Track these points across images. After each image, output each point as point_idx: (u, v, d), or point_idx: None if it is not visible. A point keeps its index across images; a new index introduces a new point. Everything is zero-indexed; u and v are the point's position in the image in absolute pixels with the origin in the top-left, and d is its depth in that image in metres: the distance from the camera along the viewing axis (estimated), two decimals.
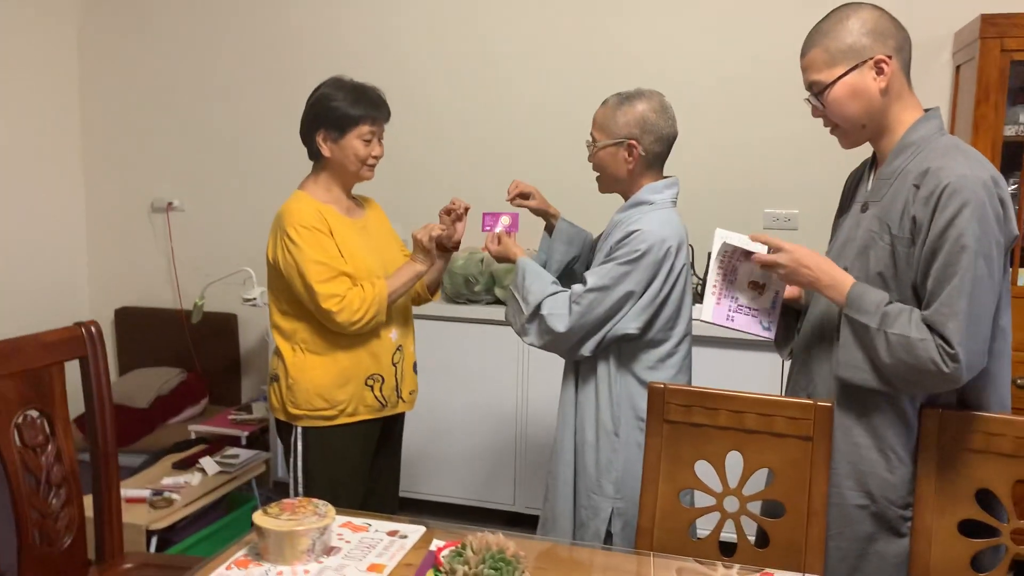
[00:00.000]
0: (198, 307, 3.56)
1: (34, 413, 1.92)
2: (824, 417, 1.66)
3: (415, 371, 2.37)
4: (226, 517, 3.03)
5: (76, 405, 2.08)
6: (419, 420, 3.32)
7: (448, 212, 2.26)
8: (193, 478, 3.01)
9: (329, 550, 1.60)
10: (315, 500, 1.65)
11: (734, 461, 1.72)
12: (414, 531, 1.71)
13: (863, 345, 1.60)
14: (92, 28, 3.89)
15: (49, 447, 1.94)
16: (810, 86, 1.69)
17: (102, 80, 3.91)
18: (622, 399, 2.03)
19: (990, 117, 2.73)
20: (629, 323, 1.99)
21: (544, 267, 2.28)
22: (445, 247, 2.29)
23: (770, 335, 1.84)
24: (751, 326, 1.84)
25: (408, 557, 1.60)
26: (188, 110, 3.85)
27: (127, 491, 2.87)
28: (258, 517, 1.57)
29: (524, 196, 2.24)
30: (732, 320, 1.84)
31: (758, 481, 1.72)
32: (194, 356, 3.86)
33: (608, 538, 2.04)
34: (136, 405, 3.58)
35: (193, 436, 3.45)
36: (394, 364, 2.26)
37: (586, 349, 2.01)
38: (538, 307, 2.01)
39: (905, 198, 1.59)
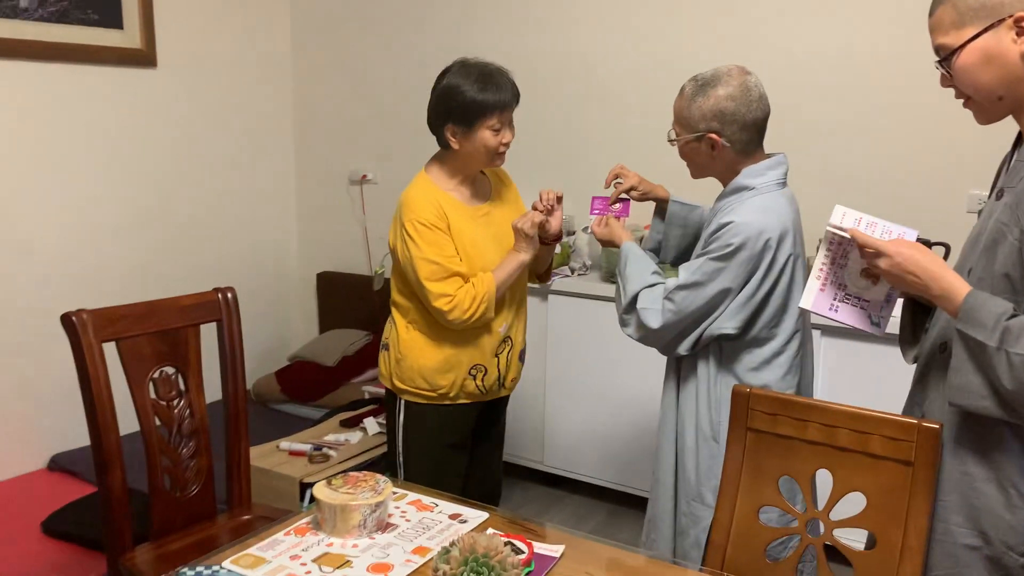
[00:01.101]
0: (379, 274, 3.75)
1: (169, 370, 2.11)
2: (929, 440, 1.43)
3: (522, 359, 2.35)
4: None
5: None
6: (562, 397, 3.31)
7: (542, 202, 2.19)
8: (354, 436, 3.19)
9: (385, 526, 1.62)
10: (378, 476, 1.68)
11: (823, 480, 1.53)
12: (476, 517, 1.69)
13: (980, 366, 1.34)
14: (305, 20, 4.17)
15: (181, 401, 2.12)
16: (937, 50, 1.42)
17: (311, 63, 4.19)
18: (722, 403, 1.86)
19: None
20: (726, 322, 1.82)
21: (659, 252, 2.14)
22: (545, 240, 2.22)
23: (879, 331, 1.59)
24: (857, 319, 1.59)
25: (458, 538, 1.58)
26: (385, 90, 4.03)
27: (292, 444, 3.11)
28: (319, 488, 1.62)
29: (625, 187, 2.12)
30: (836, 310, 1.60)
31: (848, 506, 1.52)
32: (379, 320, 4.07)
33: (707, 547, 1.90)
34: (324, 363, 3.84)
35: (367, 396, 3.64)
36: (497, 355, 2.24)
37: (683, 348, 1.87)
38: (635, 299, 1.90)
39: None
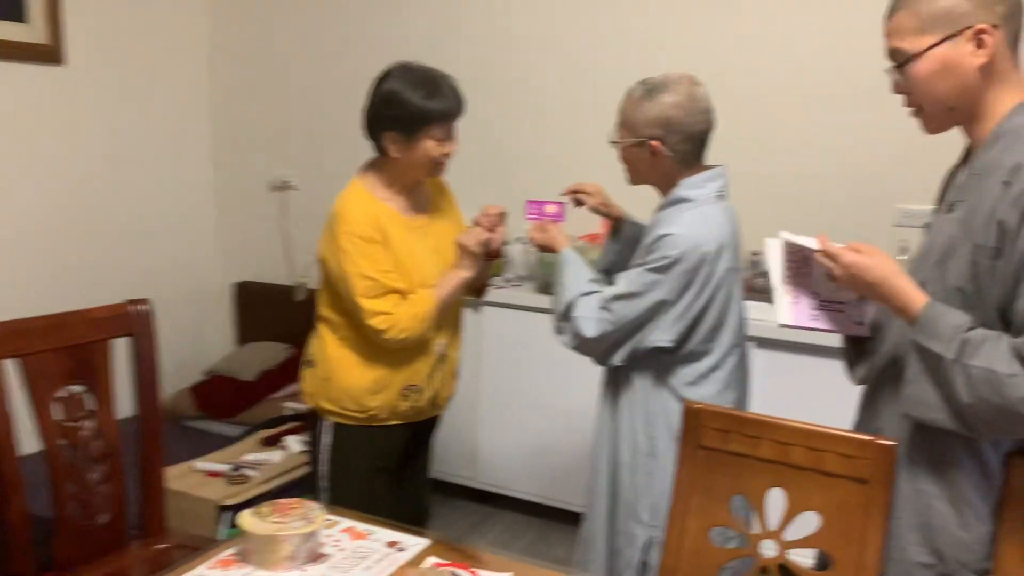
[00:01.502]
0: (300, 285, 3.60)
1: (78, 388, 1.94)
2: (885, 458, 1.40)
3: (456, 377, 2.26)
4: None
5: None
6: (496, 410, 3.23)
7: (485, 219, 2.11)
8: (275, 456, 3.04)
9: (317, 557, 1.51)
10: (309, 503, 1.57)
11: (776, 499, 1.49)
12: (415, 544, 1.60)
13: (936, 380, 1.32)
14: (222, 15, 4.00)
15: (90, 422, 1.96)
16: (892, 54, 1.40)
17: (230, 61, 4.02)
18: (658, 417, 1.82)
19: None
20: (661, 334, 1.78)
21: (611, 271, 2.08)
22: (486, 256, 2.14)
23: (864, 331, 1.57)
24: (840, 323, 1.56)
25: (399, 573, 1.49)
26: (308, 93, 3.89)
27: (208, 464, 2.94)
28: (245, 517, 1.50)
29: (579, 199, 2.09)
30: (816, 320, 1.57)
31: (802, 525, 1.48)
32: (302, 333, 3.92)
33: (643, 569, 1.84)
34: (242, 377, 3.67)
35: (288, 412, 3.48)
36: (432, 375, 2.14)
37: (617, 358, 1.82)
38: (571, 306, 1.84)
39: (993, 198, 1.29)
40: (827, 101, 2.99)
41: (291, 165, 3.97)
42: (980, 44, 1.32)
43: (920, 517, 1.40)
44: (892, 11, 1.40)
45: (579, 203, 2.12)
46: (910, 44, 1.36)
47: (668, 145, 1.79)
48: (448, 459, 3.34)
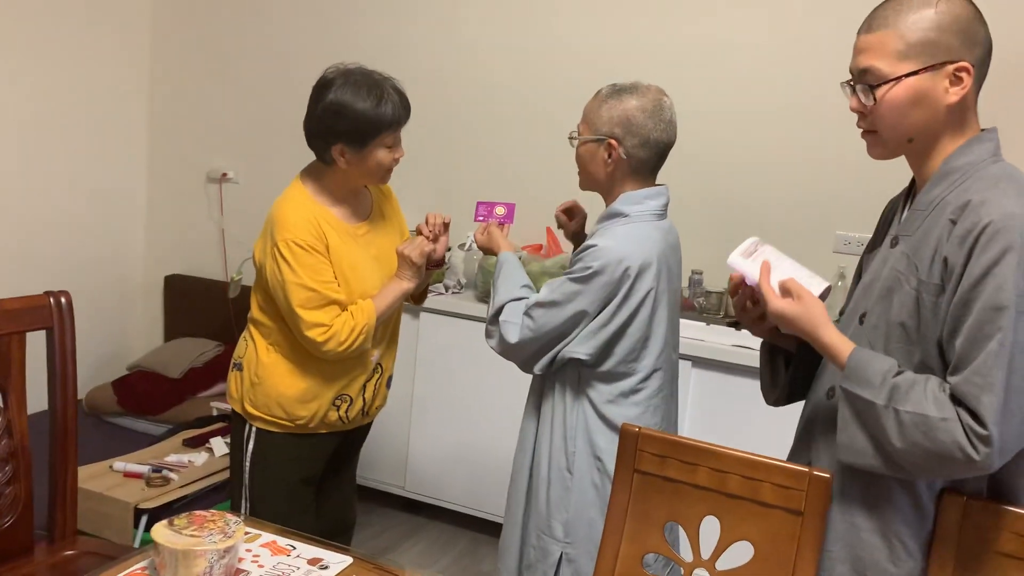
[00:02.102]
0: (235, 281, 3.49)
1: None
2: (820, 490, 1.39)
3: (388, 386, 2.20)
4: (226, 503, 2.94)
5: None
6: (428, 419, 3.18)
7: (429, 228, 2.06)
8: (199, 458, 2.93)
9: (234, 573, 1.44)
10: (229, 516, 1.49)
11: (711, 528, 1.47)
12: (338, 562, 1.53)
13: (867, 425, 1.30)
14: (164, 1, 3.88)
15: None
16: (863, 72, 1.34)
17: (172, 47, 3.89)
18: (578, 432, 1.81)
19: None
20: (578, 346, 1.77)
21: None
22: (427, 266, 2.09)
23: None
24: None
25: None
26: (251, 84, 3.78)
27: (127, 464, 2.83)
28: (158, 530, 1.42)
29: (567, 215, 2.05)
30: None
31: (736, 555, 1.46)
32: (234, 330, 3.81)
33: None
34: (168, 374, 3.54)
35: (215, 412, 3.38)
36: (365, 384, 2.08)
37: (538, 367, 1.80)
38: (499, 311, 1.81)
39: (939, 235, 1.29)
40: (770, 127, 3.01)
41: (230, 157, 3.86)
42: (955, 82, 1.30)
43: (851, 550, 1.39)
44: (873, 27, 1.34)
45: (564, 222, 2.07)
46: (888, 66, 1.31)
47: (624, 147, 1.77)
48: (379, 467, 3.27)
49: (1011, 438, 1.22)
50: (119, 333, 3.97)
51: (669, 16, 3.11)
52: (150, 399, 3.48)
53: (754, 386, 2.66)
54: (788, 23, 2.97)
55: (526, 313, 1.79)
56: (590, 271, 1.74)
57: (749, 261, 1.46)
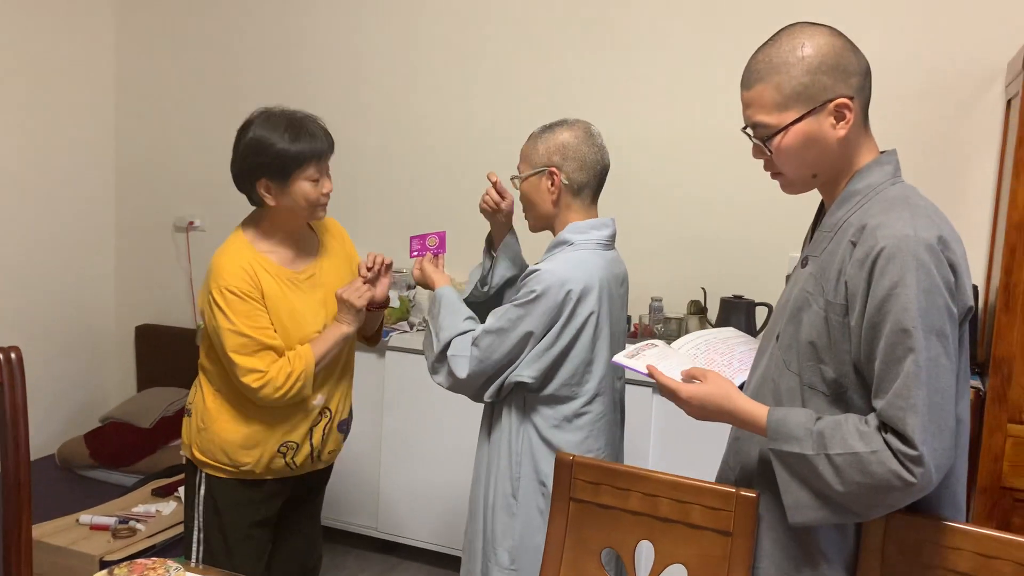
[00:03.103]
0: (200, 328, 3.50)
1: None
2: (746, 510, 1.41)
3: (343, 430, 2.19)
4: None
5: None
6: (398, 458, 3.18)
7: (368, 269, 2.07)
8: (167, 507, 2.93)
9: None
10: (170, 563, 1.51)
11: (647, 552, 1.49)
12: None
13: (806, 480, 1.31)
14: (129, 48, 3.93)
15: None
16: (754, 126, 1.41)
17: (137, 98, 3.94)
18: (523, 457, 1.83)
19: None
20: (524, 370, 1.81)
21: (485, 280, 2.07)
22: (369, 308, 2.10)
23: None
24: None
25: None
26: (215, 132, 3.83)
27: (94, 517, 2.82)
28: None
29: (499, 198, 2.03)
30: None
31: None
32: None
33: None
34: (139, 424, 3.54)
35: (184, 461, 3.36)
36: (312, 429, 2.08)
37: (487, 394, 1.84)
38: (447, 346, 1.84)
39: (842, 256, 1.33)
40: (722, 155, 3.05)
41: (196, 205, 3.90)
42: (839, 117, 1.35)
43: (779, 568, 1.41)
44: (749, 83, 1.40)
45: (496, 201, 2.04)
46: (772, 118, 1.37)
47: (565, 172, 1.85)
48: (350, 509, 3.27)
49: (941, 453, 1.23)
50: (93, 385, 3.98)
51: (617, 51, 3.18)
52: (122, 450, 3.48)
53: None
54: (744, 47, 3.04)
55: (474, 343, 1.82)
56: (534, 295, 1.79)
57: (632, 360, 1.51)
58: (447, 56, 3.41)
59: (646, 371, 1.46)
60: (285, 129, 1.94)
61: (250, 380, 1.93)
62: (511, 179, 1.96)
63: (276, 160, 1.93)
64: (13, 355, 1.99)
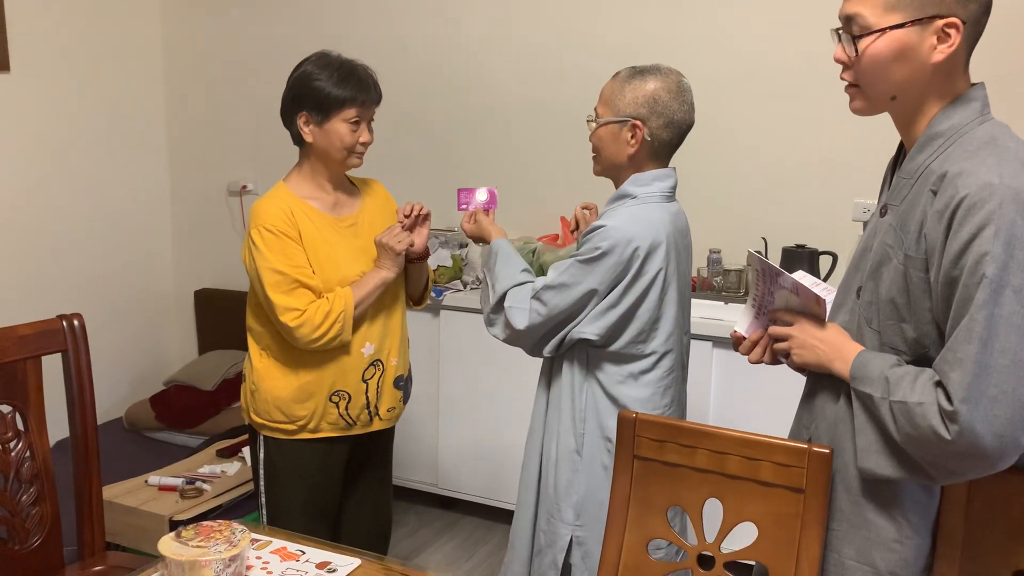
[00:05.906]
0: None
1: (5, 408, 1.88)
2: (820, 466, 1.36)
3: (402, 387, 2.17)
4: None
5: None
6: (456, 416, 3.19)
7: (406, 216, 2.05)
8: (231, 467, 2.98)
9: None
10: (235, 525, 1.51)
11: (714, 510, 1.45)
12: (347, 565, 1.55)
13: (874, 420, 1.28)
14: (177, 15, 3.93)
15: (19, 443, 1.90)
16: (848, 19, 1.27)
17: (185, 63, 3.95)
18: (588, 413, 1.79)
19: None
20: (587, 327, 1.75)
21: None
22: (408, 258, 2.08)
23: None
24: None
25: None
26: (266, 96, 3.81)
27: (162, 478, 2.88)
28: (164, 542, 1.45)
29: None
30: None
31: (740, 536, 1.44)
32: None
33: (567, 570, 1.80)
34: (202, 387, 3.60)
35: (246, 422, 3.42)
36: (365, 381, 2.07)
37: (547, 350, 1.80)
38: (503, 297, 1.81)
39: (923, 208, 1.24)
40: (782, 99, 2.95)
41: (248, 169, 3.91)
42: (943, 39, 1.23)
43: (857, 530, 1.36)
44: None
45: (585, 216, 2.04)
46: (873, 16, 1.24)
47: (649, 127, 1.75)
48: (410, 465, 3.29)
49: (1003, 421, 1.15)
50: (156, 349, 4.05)
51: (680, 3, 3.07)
52: (186, 412, 3.55)
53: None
54: None
55: (535, 297, 1.78)
56: (599, 251, 1.72)
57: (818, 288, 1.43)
58: (510, 10, 3.33)
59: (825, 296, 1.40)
60: (334, 70, 1.96)
61: (288, 319, 1.93)
62: (586, 120, 1.84)
63: (318, 95, 1.95)
64: (76, 322, 2.02)
